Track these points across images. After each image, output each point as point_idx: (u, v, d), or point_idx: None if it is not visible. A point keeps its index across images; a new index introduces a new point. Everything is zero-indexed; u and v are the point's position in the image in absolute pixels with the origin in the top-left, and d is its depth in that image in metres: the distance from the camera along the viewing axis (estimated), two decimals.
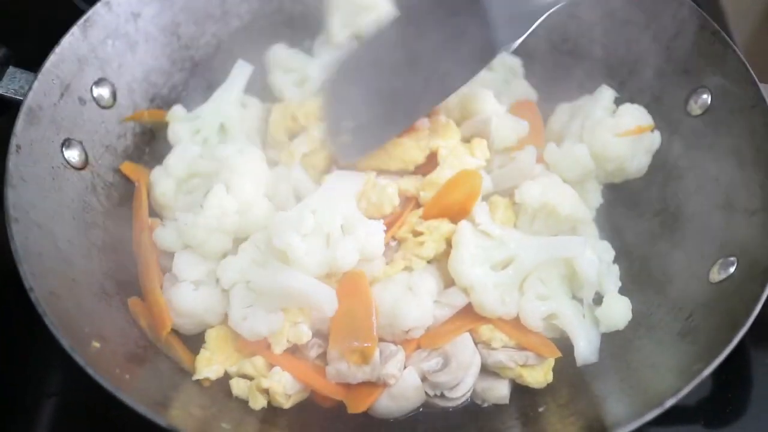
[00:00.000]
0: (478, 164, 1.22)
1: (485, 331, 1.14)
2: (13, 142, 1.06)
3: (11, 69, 1.16)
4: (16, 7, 1.48)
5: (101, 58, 1.24)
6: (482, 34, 1.15)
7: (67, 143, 1.16)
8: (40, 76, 1.12)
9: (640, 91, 1.35)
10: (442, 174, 1.19)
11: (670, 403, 0.91)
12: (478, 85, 1.31)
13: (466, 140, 1.27)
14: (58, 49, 1.16)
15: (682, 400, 1.17)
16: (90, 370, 0.88)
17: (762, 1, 2.03)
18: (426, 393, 1.11)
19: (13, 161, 1.04)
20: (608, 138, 1.26)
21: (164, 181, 1.23)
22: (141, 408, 0.87)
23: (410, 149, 1.22)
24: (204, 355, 1.10)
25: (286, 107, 1.33)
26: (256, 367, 1.09)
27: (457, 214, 1.19)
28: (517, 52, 1.45)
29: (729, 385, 1.23)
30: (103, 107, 1.25)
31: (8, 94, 1.14)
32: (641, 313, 1.16)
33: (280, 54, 1.40)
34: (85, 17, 1.20)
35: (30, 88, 1.11)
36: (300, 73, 1.40)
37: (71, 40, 1.18)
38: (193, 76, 1.42)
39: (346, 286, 1.11)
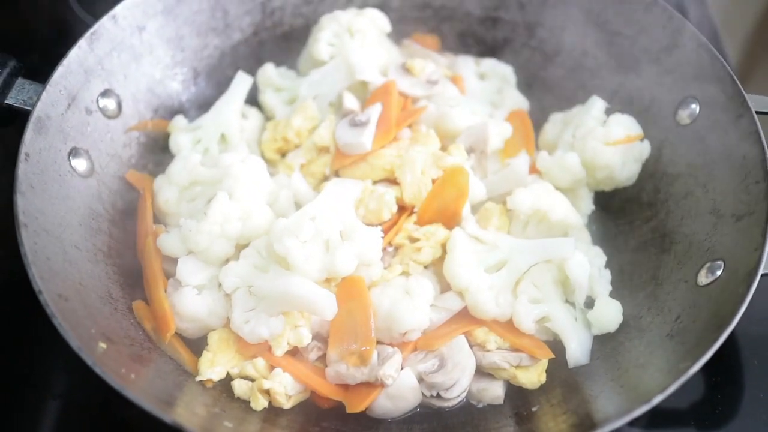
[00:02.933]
0: (456, 161, 1.25)
1: (480, 333, 1.17)
2: (22, 150, 1.09)
3: (20, 80, 1.19)
4: (25, 21, 1.51)
5: (107, 70, 1.27)
6: None
7: (73, 152, 1.19)
8: (48, 87, 1.15)
9: (630, 101, 1.39)
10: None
11: (657, 399, 0.94)
12: (446, 105, 1.36)
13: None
14: (65, 61, 1.19)
15: (673, 402, 1.21)
16: (98, 370, 0.91)
17: (751, 15, 2.08)
18: (423, 393, 1.13)
19: (22, 169, 1.07)
20: (599, 147, 1.30)
21: (167, 189, 1.26)
22: (147, 405, 0.90)
23: (391, 159, 1.27)
24: (207, 357, 1.13)
25: (275, 127, 1.37)
26: (257, 368, 1.12)
27: (450, 216, 1.23)
28: (510, 63, 1.50)
29: (720, 387, 1.25)
30: (109, 117, 1.28)
31: (17, 105, 1.17)
32: (631, 316, 1.19)
33: (270, 73, 1.44)
34: (91, 30, 1.23)
35: (38, 99, 1.13)
36: (290, 91, 1.43)
37: (78, 53, 1.21)
38: (196, 87, 1.46)
39: (345, 291, 1.15)
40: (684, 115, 1.30)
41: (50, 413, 1.19)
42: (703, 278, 1.13)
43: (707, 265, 1.14)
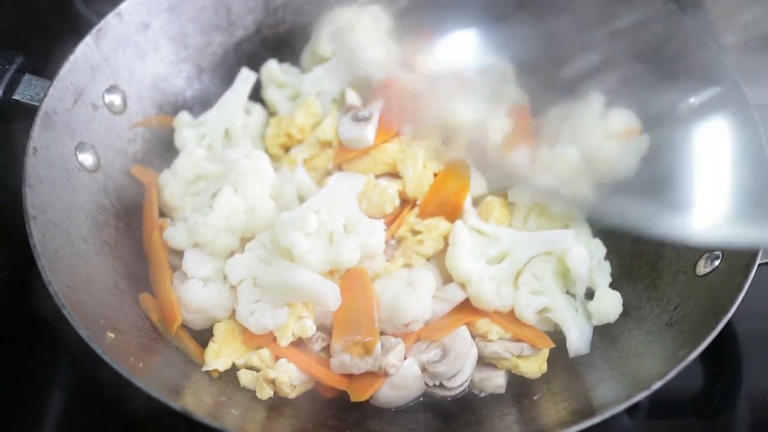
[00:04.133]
0: (458, 155, 1.27)
1: (482, 324, 1.18)
2: (30, 145, 1.10)
3: (27, 76, 1.20)
4: (33, 18, 1.53)
5: (113, 67, 1.29)
6: None
7: (80, 147, 1.21)
8: (55, 83, 1.17)
9: (629, 96, 1.40)
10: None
11: (657, 385, 0.95)
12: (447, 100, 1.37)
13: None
14: (72, 58, 1.20)
15: (673, 393, 1.22)
16: (107, 358, 0.92)
17: (750, 11, 2.09)
18: (426, 383, 1.15)
19: (30, 163, 1.09)
20: (598, 141, 1.31)
21: (172, 183, 1.27)
22: (156, 393, 0.91)
23: (394, 153, 1.29)
24: (213, 347, 1.14)
25: (279, 123, 1.38)
26: (262, 359, 1.14)
27: (452, 209, 1.24)
28: (510, 58, 1.52)
29: (719, 378, 1.27)
30: (115, 113, 1.30)
31: (25, 100, 1.19)
32: (631, 306, 1.20)
33: (274, 70, 1.46)
34: (97, 27, 1.25)
35: (45, 95, 1.15)
36: (293, 88, 1.45)
37: (84, 50, 1.23)
38: (200, 84, 1.47)
39: (348, 282, 1.16)
40: (683, 110, 1.32)
41: (56, 405, 1.21)
42: (702, 268, 1.14)
43: (706, 255, 1.15)
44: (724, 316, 1.00)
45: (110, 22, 1.27)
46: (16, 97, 1.18)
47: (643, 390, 0.95)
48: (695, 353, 0.98)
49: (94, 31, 1.24)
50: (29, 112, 1.16)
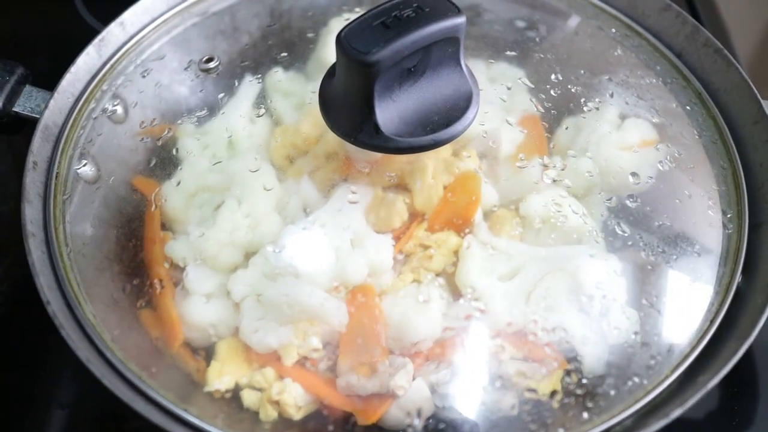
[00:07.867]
0: (468, 167, 1.23)
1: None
2: (30, 159, 1.08)
3: (28, 88, 1.18)
4: (33, 28, 1.52)
5: (115, 76, 1.26)
6: None
7: (80, 158, 1.18)
8: (56, 94, 1.15)
9: (644, 106, 1.37)
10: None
11: (676, 413, 0.92)
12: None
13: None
14: (73, 69, 1.18)
15: (689, 413, 1.19)
16: (106, 382, 0.90)
17: (765, 19, 2.06)
18: (435, 404, 1.11)
19: (29, 178, 1.07)
20: (613, 152, 1.28)
21: (174, 195, 1.24)
22: (156, 419, 0.89)
23: (402, 165, 1.24)
24: (215, 366, 1.11)
25: (284, 133, 1.35)
26: (266, 378, 1.10)
27: (462, 223, 1.21)
28: (522, 66, 1.49)
29: (736, 398, 1.24)
30: (116, 123, 1.28)
31: (25, 113, 1.17)
32: (647, 325, 1.16)
33: (279, 78, 1.42)
34: (99, 37, 1.23)
35: (46, 107, 1.13)
36: (299, 96, 1.41)
37: (86, 59, 1.21)
38: (203, 92, 1.44)
39: (355, 300, 1.13)
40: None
41: (57, 423, 1.19)
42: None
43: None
44: (746, 340, 0.97)
45: (112, 31, 1.25)
46: (16, 109, 1.16)
47: (662, 418, 0.92)
48: (716, 379, 0.95)
49: (96, 40, 1.22)
50: (29, 125, 1.14)
